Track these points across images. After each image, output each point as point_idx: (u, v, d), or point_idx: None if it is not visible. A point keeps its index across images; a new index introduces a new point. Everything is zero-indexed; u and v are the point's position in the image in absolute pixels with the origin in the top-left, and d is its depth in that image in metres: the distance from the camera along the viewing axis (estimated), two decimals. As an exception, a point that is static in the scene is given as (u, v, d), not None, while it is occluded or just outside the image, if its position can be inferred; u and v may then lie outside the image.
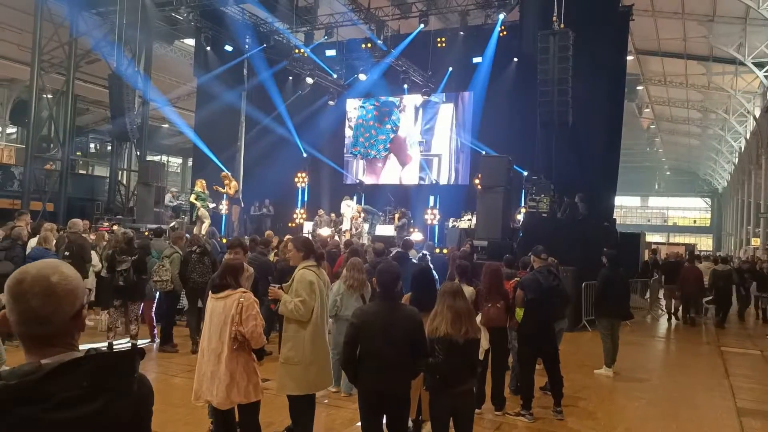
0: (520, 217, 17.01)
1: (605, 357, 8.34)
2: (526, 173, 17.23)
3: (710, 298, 14.47)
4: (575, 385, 7.34)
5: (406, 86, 21.25)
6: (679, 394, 7.74)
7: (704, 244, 51.49)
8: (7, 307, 1.41)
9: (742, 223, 38.48)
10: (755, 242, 31.47)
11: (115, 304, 7.98)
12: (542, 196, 15.77)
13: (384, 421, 3.99)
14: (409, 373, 4.02)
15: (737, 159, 38.51)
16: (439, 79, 21.13)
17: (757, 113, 28.89)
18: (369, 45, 20.18)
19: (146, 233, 12.49)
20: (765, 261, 19.86)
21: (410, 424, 4.94)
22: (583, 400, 6.96)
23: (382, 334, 3.83)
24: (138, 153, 20.26)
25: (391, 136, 22.73)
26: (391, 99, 22.58)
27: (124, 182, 20.62)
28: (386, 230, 17.63)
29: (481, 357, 5.42)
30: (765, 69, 23.13)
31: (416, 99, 21.94)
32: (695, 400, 7.48)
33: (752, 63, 24.13)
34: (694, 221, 58.62)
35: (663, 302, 16.09)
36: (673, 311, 14.79)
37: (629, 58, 23.08)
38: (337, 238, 15.43)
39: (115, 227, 13.49)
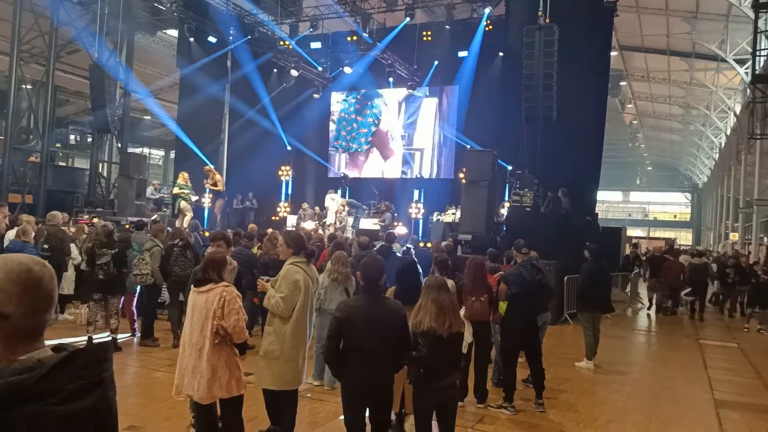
0: (503, 211, 17.11)
1: (586, 350, 8.42)
2: (510, 168, 17.31)
3: (688, 290, 14.76)
4: (557, 378, 7.40)
5: (391, 80, 21.20)
6: (659, 387, 7.84)
7: (684, 238, 52.23)
8: (12, 300, 1.35)
9: (721, 218, 39.05)
10: (734, 237, 31.94)
11: (95, 297, 7.88)
12: (526, 190, 15.86)
13: (367, 414, 3.99)
14: (393, 367, 4.02)
15: (717, 155, 39.02)
16: (424, 73, 21.11)
17: (738, 109, 29.27)
18: (354, 38, 20.09)
19: (127, 226, 12.34)
20: (744, 255, 20.20)
21: (393, 417, 4.95)
22: (565, 392, 7.03)
23: (366, 328, 3.83)
24: (119, 145, 20.00)
25: (373, 129, 22.69)
26: (372, 92, 22.48)
27: (105, 174, 20.34)
28: (370, 224, 17.61)
29: (464, 350, 5.43)
30: (746, 66, 23.41)
31: (398, 93, 21.88)
32: (675, 392, 7.58)
33: (734, 60, 24.43)
34: (675, 216, 59.35)
35: (645, 295, 16.31)
36: (657, 303, 15.18)
37: (613, 53, 23.25)
38: (321, 231, 15.38)
39: (95, 220, 13.33)
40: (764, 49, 18.60)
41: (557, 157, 15.59)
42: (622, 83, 32.54)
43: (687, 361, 9.45)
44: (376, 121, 22.66)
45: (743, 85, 26.52)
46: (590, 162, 16.88)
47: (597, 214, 17.62)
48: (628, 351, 10.53)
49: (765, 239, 23.30)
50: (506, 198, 17.65)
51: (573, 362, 8.45)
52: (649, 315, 14.90)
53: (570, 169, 15.62)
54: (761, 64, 19.31)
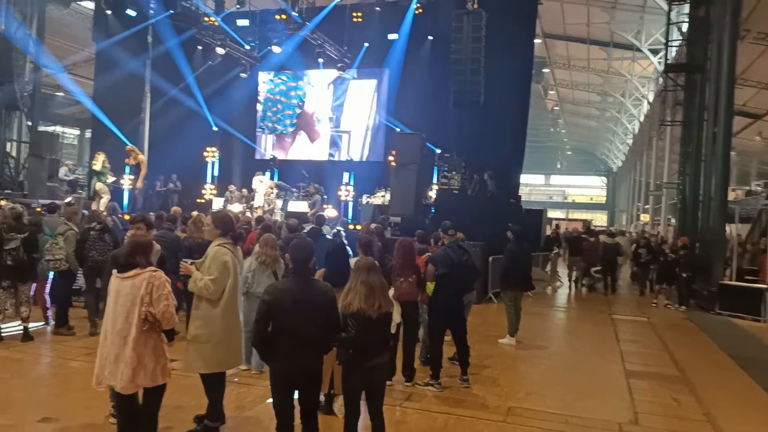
0: (432, 193, 17.38)
1: (509, 327, 8.76)
2: (438, 151, 17.60)
3: (598, 268, 15.69)
4: (481, 355, 7.67)
5: (321, 60, 20.91)
6: (576, 360, 8.31)
7: (599, 219, 54.93)
8: None
9: (634, 200, 41.41)
10: (645, 218, 33.99)
11: (3, 285, 7.39)
12: (454, 173, 16.24)
13: (296, 396, 3.98)
14: (323, 349, 4.03)
15: (632, 140, 41.19)
16: (354, 55, 20.97)
17: (651, 97, 30.96)
18: (283, 16, 19.62)
19: (38, 209, 11.65)
20: (654, 235, 21.54)
21: (322, 398, 4.98)
22: (488, 368, 7.29)
23: (295, 311, 3.81)
24: (29, 123, 18.70)
25: (298, 111, 22.37)
26: (298, 73, 22.13)
27: (14, 154, 19.02)
28: (300, 206, 17.45)
29: (393, 330, 5.51)
30: (659, 55, 24.71)
31: (326, 74, 21.64)
32: (590, 364, 8.04)
33: (648, 49, 25.73)
34: (591, 198, 62.58)
35: (564, 274, 17.14)
36: (575, 280, 16.10)
37: (537, 41, 23.95)
38: (249, 214, 15.11)
39: (2, 202, 12.45)
40: (676, 40, 19.71)
41: (484, 141, 16.00)
42: (545, 70, 33.61)
43: (601, 335, 10.02)
44: (300, 103, 22.35)
45: (656, 74, 28.04)
46: (515, 146, 17.40)
47: (520, 196, 18.27)
48: (548, 327, 11.05)
49: (672, 220, 24.91)
50: (435, 180, 17.94)
51: (496, 339, 8.76)
52: (570, 290, 15.74)
53: (496, 153, 16.07)
54: (673, 54, 20.47)
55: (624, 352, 8.67)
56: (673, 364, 8.18)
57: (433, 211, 15.35)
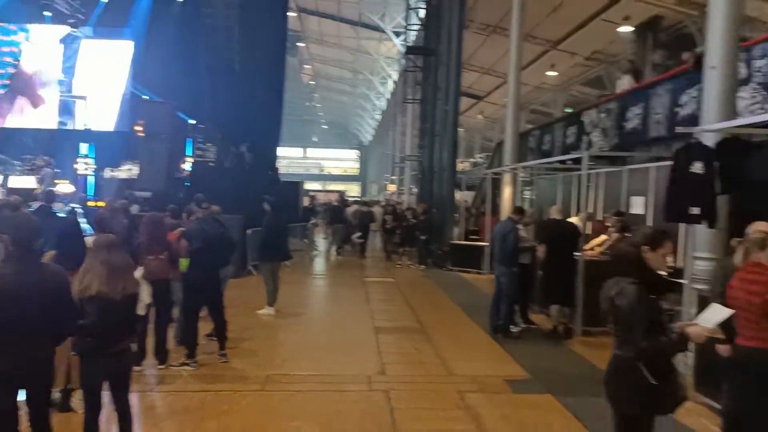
0: (186, 166, 16.57)
1: (268, 297, 8.90)
2: (192, 121, 16.81)
3: (359, 234, 16.85)
4: (239, 327, 7.62)
5: (47, 14, 18.10)
6: (331, 323, 8.87)
7: (353, 190, 58.46)
8: None
9: (382, 172, 44.94)
10: (391, 188, 37.14)
11: None
12: (209, 145, 15.73)
13: (22, 397, 3.50)
14: (54, 340, 3.60)
15: (380, 116, 44.42)
16: (90, 10, 18.60)
17: (395, 77, 33.62)
18: (-7, -45, 16.47)
19: None
20: (400, 203, 23.71)
21: (57, 395, 4.48)
22: (247, 340, 7.33)
23: (15, 300, 3.32)
24: None
25: (11, 70, 19.03)
26: (11, 26, 18.84)
27: None
28: (25, 182, 15.09)
29: (142, 312, 5.17)
30: (401, 38, 26.85)
31: (54, 30, 18.81)
32: (343, 325, 8.63)
33: (392, 31, 27.78)
34: (345, 171, 66.34)
35: (321, 243, 17.95)
36: (337, 248, 17.21)
37: (292, 14, 24.12)
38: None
39: None
40: (415, 24, 21.61)
41: (241, 112, 15.70)
42: (300, 44, 34.16)
43: (354, 298, 10.78)
44: (15, 62, 18.99)
45: (400, 55, 30.48)
46: (272, 118, 17.44)
47: (278, 168, 18.47)
48: (306, 294, 11.50)
49: (413, 189, 27.66)
50: (189, 152, 17.09)
51: (255, 311, 8.83)
52: (329, 257, 16.63)
53: (253, 125, 15.90)
54: (413, 38, 22.45)
55: (374, 311, 9.47)
56: (415, 318, 9.19)
57: (188, 184, 14.66)
